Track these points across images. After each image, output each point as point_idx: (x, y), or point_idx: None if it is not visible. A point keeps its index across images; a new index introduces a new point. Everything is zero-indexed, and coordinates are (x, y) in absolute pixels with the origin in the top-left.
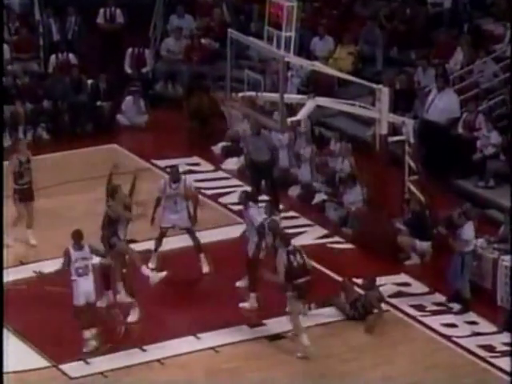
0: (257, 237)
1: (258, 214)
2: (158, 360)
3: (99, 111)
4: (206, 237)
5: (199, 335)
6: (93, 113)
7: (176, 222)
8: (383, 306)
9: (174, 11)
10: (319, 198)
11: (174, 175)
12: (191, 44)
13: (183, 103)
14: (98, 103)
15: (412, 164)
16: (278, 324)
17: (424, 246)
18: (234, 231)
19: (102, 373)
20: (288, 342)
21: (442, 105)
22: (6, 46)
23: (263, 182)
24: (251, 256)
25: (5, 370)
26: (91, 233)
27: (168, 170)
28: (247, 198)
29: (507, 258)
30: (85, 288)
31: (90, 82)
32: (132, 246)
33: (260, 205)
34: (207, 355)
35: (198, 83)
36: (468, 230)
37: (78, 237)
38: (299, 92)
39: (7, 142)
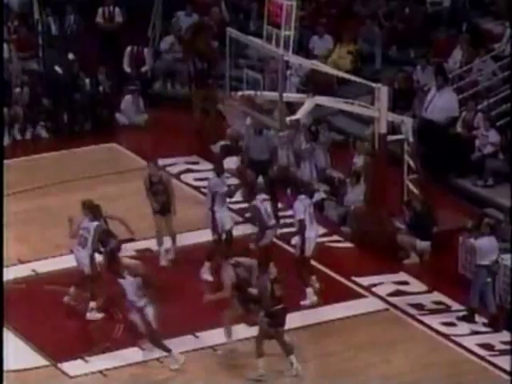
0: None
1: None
2: (157, 359)
3: (98, 110)
4: (205, 235)
5: (198, 334)
6: (92, 112)
7: None
8: None
9: (174, 10)
10: (318, 196)
11: (220, 168)
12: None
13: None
14: (97, 102)
15: (411, 163)
16: None
17: (424, 245)
18: (234, 229)
19: (100, 371)
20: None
21: (440, 104)
22: (5, 45)
23: (261, 181)
24: (298, 254)
25: (5, 368)
26: None
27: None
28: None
29: (506, 256)
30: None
31: (88, 80)
32: (130, 244)
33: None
34: (206, 354)
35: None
36: (486, 242)
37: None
38: (298, 91)
39: (5, 141)
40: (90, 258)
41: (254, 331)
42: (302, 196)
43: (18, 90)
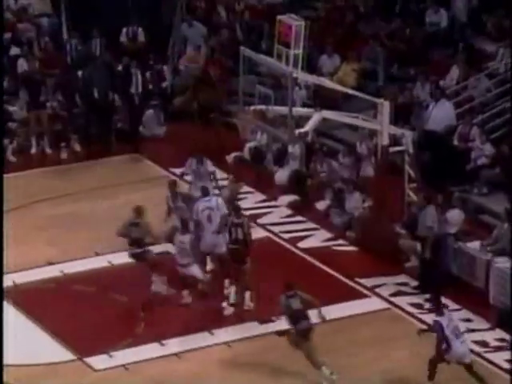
0: None
1: None
2: (176, 354)
3: (123, 123)
4: None
5: (213, 331)
6: (117, 125)
7: None
8: None
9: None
10: (324, 204)
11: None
12: (209, 60)
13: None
14: (123, 117)
15: (411, 172)
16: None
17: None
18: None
19: (123, 365)
20: None
21: (439, 114)
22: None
23: None
24: None
25: (35, 362)
26: (106, 238)
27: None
28: None
29: (499, 259)
30: None
31: (116, 96)
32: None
33: None
34: (221, 350)
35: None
36: (456, 214)
37: None
38: (305, 105)
39: (33, 150)
40: None
41: (264, 328)
42: None
43: (54, 104)
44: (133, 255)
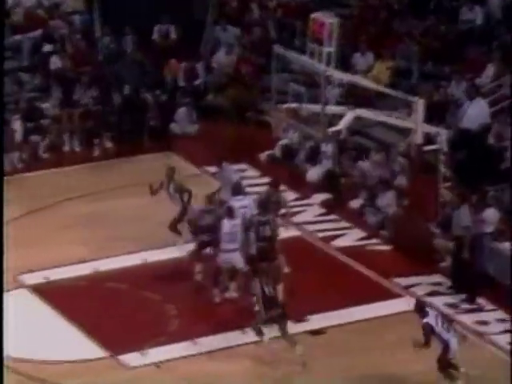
0: None
1: None
2: (208, 352)
3: (155, 121)
4: None
5: (246, 329)
6: (149, 122)
7: None
8: None
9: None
10: (358, 203)
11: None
12: (241, 58)
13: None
14: (155, 114)
15: (446, 171)
16: (320, 320)
17: None
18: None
19: (156, 363)
20: (328, 337)
21: (473, 113)
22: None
23: None
24: None
25: (69, 358)
26: (137, 236)
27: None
28: None
29: None
30: None
31: (149, 95)
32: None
33: None
34: (253, 348)
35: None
36: (491, 212)
37: None
38: (338, 103)
39: (65, 147)
40: None
41: (298, 327)
42: None
43: (87, 101)
44: (200, 244)
